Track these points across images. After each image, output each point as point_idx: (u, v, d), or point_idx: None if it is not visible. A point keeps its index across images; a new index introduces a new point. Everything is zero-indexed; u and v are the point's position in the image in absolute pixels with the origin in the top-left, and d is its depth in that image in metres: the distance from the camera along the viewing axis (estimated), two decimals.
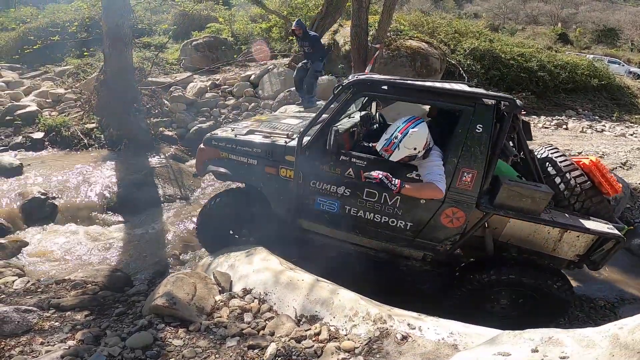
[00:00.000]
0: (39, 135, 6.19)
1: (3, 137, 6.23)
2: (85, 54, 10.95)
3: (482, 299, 2.79)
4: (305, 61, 6.39)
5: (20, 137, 6.16)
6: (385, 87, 2.71)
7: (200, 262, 3.30)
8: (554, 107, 9.59)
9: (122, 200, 4.41)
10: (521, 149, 2.85)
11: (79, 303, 2.59)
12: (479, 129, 2.50)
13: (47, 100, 7.86)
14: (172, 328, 2.22)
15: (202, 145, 3.30)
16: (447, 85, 2.83)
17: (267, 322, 2.32)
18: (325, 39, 9.86)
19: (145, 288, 2.99)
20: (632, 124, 9.15)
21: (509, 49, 10.68)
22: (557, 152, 2.97)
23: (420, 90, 2.72)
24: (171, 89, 7.63)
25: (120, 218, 4.21)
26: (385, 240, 2.87)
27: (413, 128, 2.50)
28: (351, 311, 2.27)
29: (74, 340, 2.17)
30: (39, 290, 2.86)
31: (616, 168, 5.51)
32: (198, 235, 3.42)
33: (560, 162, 2.85)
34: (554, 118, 8.57)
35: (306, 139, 2.80)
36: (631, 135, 7.86)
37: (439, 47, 9.12)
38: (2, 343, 2.13)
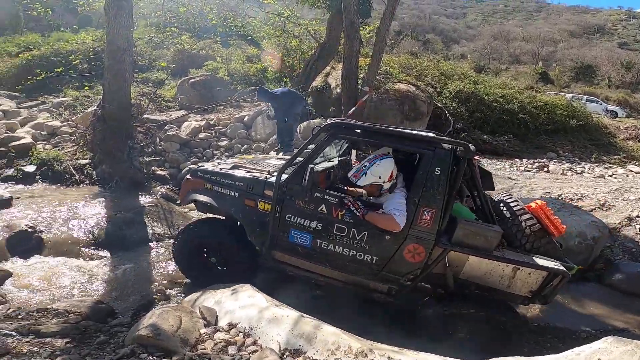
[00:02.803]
0: (31, 168, 6.24)
1: None
2: (85, 87, 11.16)
3: (445, 329, 2.97)
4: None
5: (12, 170, 6.19)
6: (359, 131, 3.10)
7: (186, 297, 3.31)
8: (535, 150, 9.94)
9: (110, 236, 4.42)
10: (476, 192, 3.15)
11: (60, 331, 2.59)
12: (437, 172, 2.82)
13: (42, 133, 7.96)
14: (155, 358, 2.22)
15: (188, 176, 3.60)
16: (413, 132, 3.21)
17: (251, 354, 2.34)
18: (317, 82, 10.32)
19: (129, 320, 3.00)
20: (610, 165, 9.52)
21: (492, 91, 11.14)
22: (511, 197, 3.31)
23: (389, 135, 3.11)
24: (166, 127, 7.78)
25: (107, 254, 4.20)
26: (353, 272, 3.07)
27: (380, 160, 2.94)
28: (333, 345, 2.35)
29: None
30: (19, 317, 2.86)
31: (595, 209, 5.71)
32: (175, 261, 3.64)
33: (513, 206, 3.17)
34: (535, 161, 8.87)
35: (285, 175, 3.08)
36: (610, 176, 8.17)
37: (426, 90, 9.57)
38: None
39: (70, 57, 12.85)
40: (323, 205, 3.01)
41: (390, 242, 2.90)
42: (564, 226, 3.10)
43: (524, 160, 8.88)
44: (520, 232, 3.04)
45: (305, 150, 3.20)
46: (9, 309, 2.98)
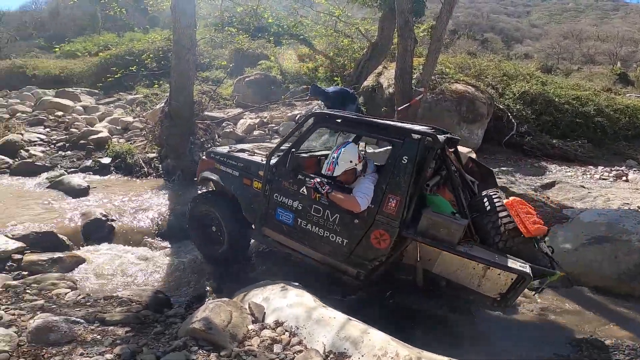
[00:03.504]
0: (106, 160, 6.90)
1: (75, 160, 7.02)
2: (155, 85, 12.02)
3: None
4: None
5: (90, 161, 6.90)
6: (339, 120, 3.36)
7: (236, 293, 3.43)
8: (612, 157, 8.92)
9: (172, 228, 4.72)
10: (453, 185, 3.17)
11: (122, 319, 2.74)
12: (404, 160, 2.88)
13: (117, 127, 8.77)
14: (205, 352, 2.31)
15: (203, 157, 4.13)
16: (385, 122, 3.29)
17: (295, 354, 2.36)
18: (369, 81, 10.17)
19: (183, 311, 3.14)
20: None
21: (563, 92, 10.18)
22: (496, 193, 3.20)
23: (365, 124, 3.30)
24: (223, 124, 8.20)
25: (168, 244, 4.49)
26: (327, 253, 3.23)
27: (344, 147, 3.13)
28: (380, 351, 2.29)
29: (112, 354, 2.31)
30: (87, 304, 3.06)
31: None
32: (190, 235, 4.15)
33: (495, 202, 3.05)
34: (612, 168, 7.96)
35: (274, 160, 3.39)
36: None
37: (486, 91, 9.02)
38: (44, 351, 2.29)
39: (143, 57, 13.98)
40: (304, 187, 3.22)
41: (358, 226, 3.01)
42: (538, 227, 2.86)
43: (599, 168, 8.00)
44: (494, 229, 2.93)
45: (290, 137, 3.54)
46: (79, 295, 3.19)
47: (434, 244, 2.82)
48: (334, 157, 3.10)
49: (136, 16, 23.48)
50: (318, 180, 3.04)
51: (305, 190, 3.22)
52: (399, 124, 3.19)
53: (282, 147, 3.49)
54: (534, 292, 3.61)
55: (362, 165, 3.17)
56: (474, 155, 7.02)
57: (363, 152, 4.27)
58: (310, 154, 3.96)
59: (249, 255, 4.23)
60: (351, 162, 3.09)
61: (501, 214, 2.93)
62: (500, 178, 7.08)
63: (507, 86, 10.10)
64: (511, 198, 3.03)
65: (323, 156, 3.92)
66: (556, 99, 9.85)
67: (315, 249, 3.27)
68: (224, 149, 4.04)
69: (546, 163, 8.29)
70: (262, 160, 3.54)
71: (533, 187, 6.60)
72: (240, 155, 3.78)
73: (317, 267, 3.34)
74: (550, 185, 6.70)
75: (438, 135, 2.97)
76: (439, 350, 2.41)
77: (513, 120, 8.84)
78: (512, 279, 2.76)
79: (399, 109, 7.10)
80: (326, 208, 3.13)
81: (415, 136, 2.92)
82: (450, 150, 3.48)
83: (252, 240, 4.01)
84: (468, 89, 8.40)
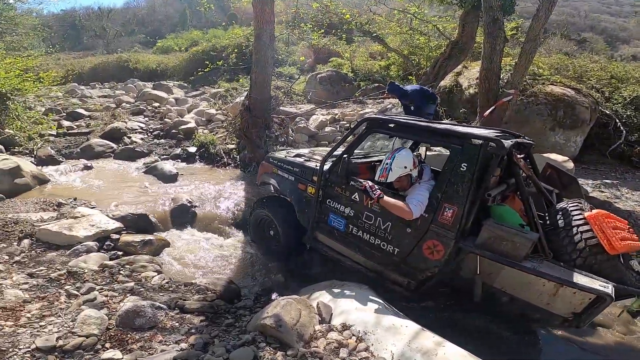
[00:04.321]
0: (192, 149, 7.53)
1: (167, 147, 7.77)
2: (240, 80, 12.62)
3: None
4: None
5: (180, 149, 7.59)
6: (392, 125, 3.18)
7: (302, 290, 3.45)
8: None
9: (246, 218, 4.87)
10: (522, 195, 2.85)
11: (199, 308, 2.84)
12: (463, 168, 2.69)
13: (202, 119, 9.50)
14: (272, 349, 2.33)
15: (263, 161, 4.21)
16: (443, 126, 3.04)
17: None
18: (447, 81, 9.63)
19: (251, 304, 3.22)
20: None
21: None
22: (577, 206, 2.87)
23: (420, 129, 3.08)
24: (297, 119, 8.42)
25: (242, 234, 4.70)
26: (377, 261, 3.15)
27: (398, 152, 3.04)
28: None
29: (187, 343, 2.41)
30: (170, 289, 3.16)
31: None
32: (250, 234, 4.32)
33: (573, 215, 2.77)
34: None
35: (328, 165, 3.36)
36: None
37: (590, 95, 7.98)
38: (128, 336, 2.40)
39: (226, 52, 14.89)
40: (356, 193, 3.17)
41: (410, 235, 2.90)
42: (627, 244, 2.54)
43: None
44: (571, 244, 2.65)
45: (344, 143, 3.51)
46: (164, 279, 3.29)
47: (496, 258, 2.60)
48: (387, 163, 3.03)
49: (217, 13, 25.22)
50: (370, 184, 2.95)
51: (357, 197, 3.18)
52: (458, 128, 2.97)
53: (335, 153, 3.45)
54: (635, 316, 3.22)
55: (418, 171, 3.06)
56: (571, 165, 6.29)
57: (420, 157, 4.09)
58: (364, 159, 3.87)
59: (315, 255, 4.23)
60: (405, 167, 3.00)
61: (582, 228, 2.66)
62: (602, 192, 6.27)
63: (615, 90, 8.80)
64: (595, 211, 2.73)
65: (378, 162, 3.81)
66: None
67: (366, 256, 3.21)
68: (282, 154, 4.13)
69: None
70: (316, 166, 3.54)
71: None
72: (296, 160, 3.83)
73: (368, 275, 3.24)
74: None
75: (504, 140, 2.71)
76: None
77: (622, 128, 7.69)
78: (589, 299, 2.51)
79: (485, 113, 6.58)
80: (378, 215, 3.06)
81: (476, 141, 2.71)
82: (520, 155, 3.15)
83: None
84: (567, 92, 7.49)
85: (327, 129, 8.43)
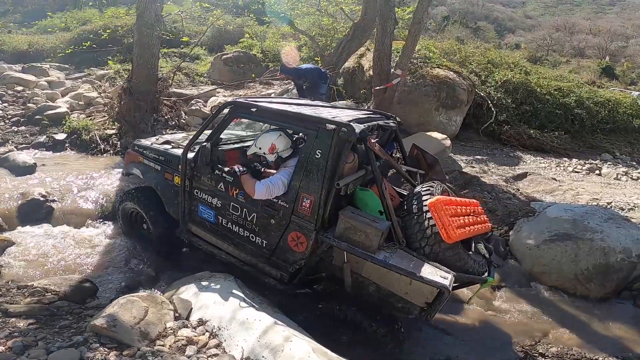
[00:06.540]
0: (61, 136, 6.49)
1: (28, 135, 6.58)
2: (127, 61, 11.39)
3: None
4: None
5: (44, 137, 6.48)
6: (254, 110, 2.96)
7: (173, 283, 3.23)
8: (588, 149, 8.87)
9: (116, 210, 4.40)
10: (377, 180, 2.73)
11: (27, 311, 2.56)
12: (317, 154, 2.59)
13: (80, 103, 8.28)
14: (106, 350, 2.13)
15: (129, 149, 3.87)
16: (301, 111, 2.84)
17: (210, 358, 2.17)
18: (350, 63, 9.84)
19: (107, 302, 2.87)
20: None
21: (545, 83, 10.04)
22: (428, 190, 2.80)
23: (277, 113, 2.90)
24: (192, 102, 7.80)
25: (110, 228, 4.21)
26: (249, 254, 3.03)
27: (265, 132, 3.00)
28: None
29: (4, 346, 2.11)
30: None
31: None
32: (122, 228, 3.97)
33: (424, 200, 2.68)
34: (586, 162, 7.88)
35: (192, 153, 3.12)
36: None
37: (468, 78, 8.79)
38: None
39: (118, 32, 13.31)
40: (221, 183, 3.01)
41: (275, 226, 2.83)
42: (462, 232, 2.58)
43: (574, 160, 7.94)
44: (420, 231, 2.60)
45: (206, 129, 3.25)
46: None
47: (351, 249, 2.52)
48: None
49: None
50: (240, 167, 2.81)
51: (222, 187, 3.01)
52: (314, 114, 2.79)
53: (202, 139, 3.17)
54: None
55: (276, 159, 2.92)
56: (448, 143, 6.84)
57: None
58: (234, 145, 3.65)
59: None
60: (260, 148, 2.93)
61: (428, 215, 2.59)
62: (473, 167, 6.92)
63: (490, 74, 9.90)
64: (435, 197, 2.65)
65: (247, 147, 3.62)
66: (538, 89, 9.71)
67: (239, 249, 3.08)
68: (150, 141, 3.77)
69: (522, 153, 8.18)
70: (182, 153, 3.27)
71: (505, 178, 6.48)
72: (162, 147, 3.53)
73: (243, 269, 3.09)
74: (522, 176, 6.59)
75: (355, 125, 2.59)
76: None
77: (493, 109, 8.65)
78: (437, 290, 2.48)
79: (375, 88, 6.86)
80: (243, 206, 2.94)
81: (330, 126, 2.58)
82: (374, 139, 3.01)
83: None
84: (449, 75, 8.14)
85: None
